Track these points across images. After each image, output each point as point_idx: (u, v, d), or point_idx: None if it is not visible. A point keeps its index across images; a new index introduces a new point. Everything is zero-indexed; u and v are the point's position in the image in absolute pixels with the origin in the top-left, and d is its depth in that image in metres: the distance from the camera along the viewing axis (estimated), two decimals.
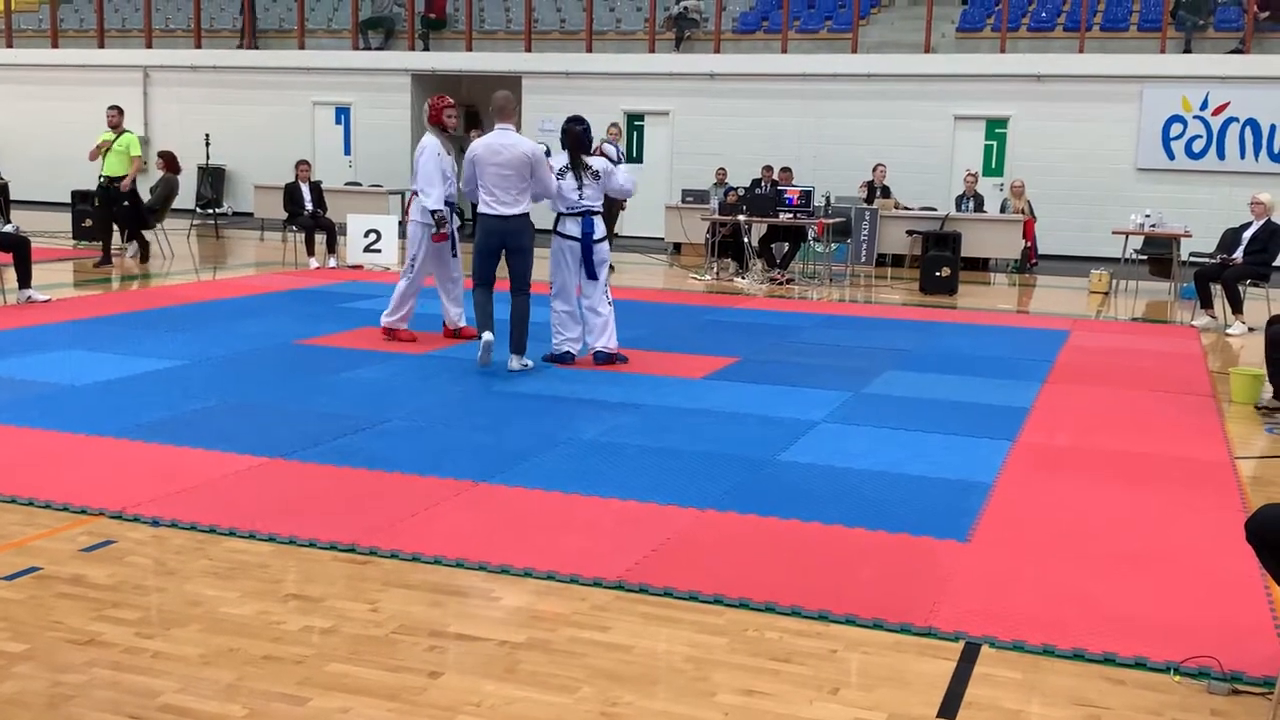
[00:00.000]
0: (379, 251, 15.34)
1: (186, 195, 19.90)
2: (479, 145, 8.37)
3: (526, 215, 8.42)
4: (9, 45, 25.42)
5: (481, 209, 8.39)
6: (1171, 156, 18.64)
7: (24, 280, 10.99)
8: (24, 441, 6.23)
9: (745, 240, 15.34)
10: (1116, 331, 11.71)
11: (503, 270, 8.63)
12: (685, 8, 21.83)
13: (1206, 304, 12.18)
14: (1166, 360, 9.94)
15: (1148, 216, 14.97)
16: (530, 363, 8.55)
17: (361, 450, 6.21)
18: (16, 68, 24.83)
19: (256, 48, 24.10)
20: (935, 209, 17.53)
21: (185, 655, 3.77)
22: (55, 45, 25.23)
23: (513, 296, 8.53)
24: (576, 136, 8.82)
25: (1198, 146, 18.53)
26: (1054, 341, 10.65)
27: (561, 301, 8.91)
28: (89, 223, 16.86)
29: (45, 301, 10.96)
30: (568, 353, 8.91)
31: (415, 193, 9.40)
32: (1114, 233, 15.52)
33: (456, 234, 9.65)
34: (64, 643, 3.84)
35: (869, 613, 4.24)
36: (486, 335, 8.48)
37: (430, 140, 9.32)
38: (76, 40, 25.62)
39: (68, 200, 17.70)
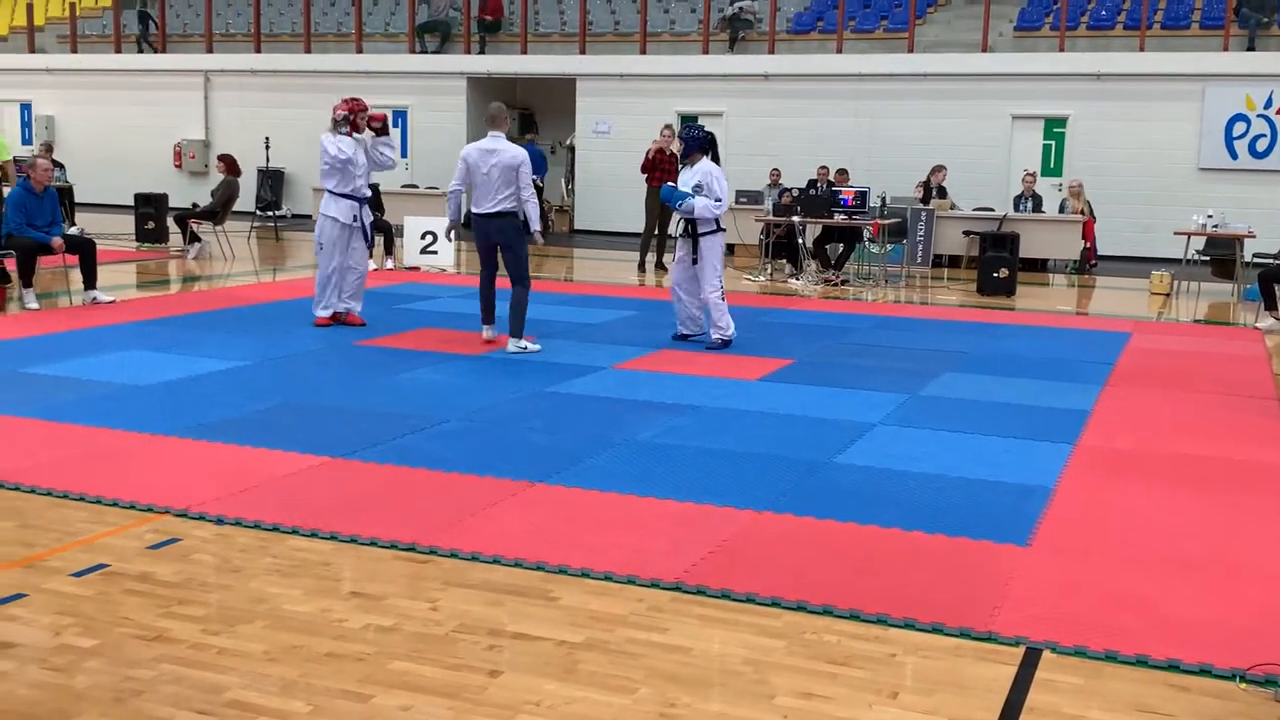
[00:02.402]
0: (436, 253, 15.47)
1: (246, 198, 20.18)
2: (471, 150, 9.23)
3: (513, 214, 9.21)
4: (74, 50, 25.92)
5: (472, 208, 9.31)
6: (1234, 156, 18.34)
7: (89, 281, 11.20)
8: (91, 440, 6.35)
9: (800, 241, 15.30)
10: (1178, 333, 11.55)
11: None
12: (739, 8, 21.80)
13: (1271, 305, 11.97)
14: (1230, 363, 9.78)
15: (1210, 217, 14.75)
16: (529, 345, 9.27)
17: (420, 450, 6.28)
18: (81, 72, 25.30)
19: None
20: (992, 209, 17.39)
21: (250, 652, 3.83)
22: (118, 50, 25.68)
23: (512, 287, 9.33)
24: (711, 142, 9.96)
25: (1261, 145, 18.23)
26: (1114, 344, 10.53)
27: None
28: (152, 225, 17.18)
29: (110, 302, 11.16)
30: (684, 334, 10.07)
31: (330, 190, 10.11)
32: (1175, 233, 15.31)
33: (368, 226, 10.43)
34: (132, 638, 3.91)
35: (928, 616, 4.22)
36: (484, 331, 9.60)
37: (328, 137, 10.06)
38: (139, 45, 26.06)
39: (130, 203, 18.01)
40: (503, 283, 9.49)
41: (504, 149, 9.11)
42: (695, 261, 9.78)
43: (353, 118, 10.08)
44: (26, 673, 3.64)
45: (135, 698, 3.50)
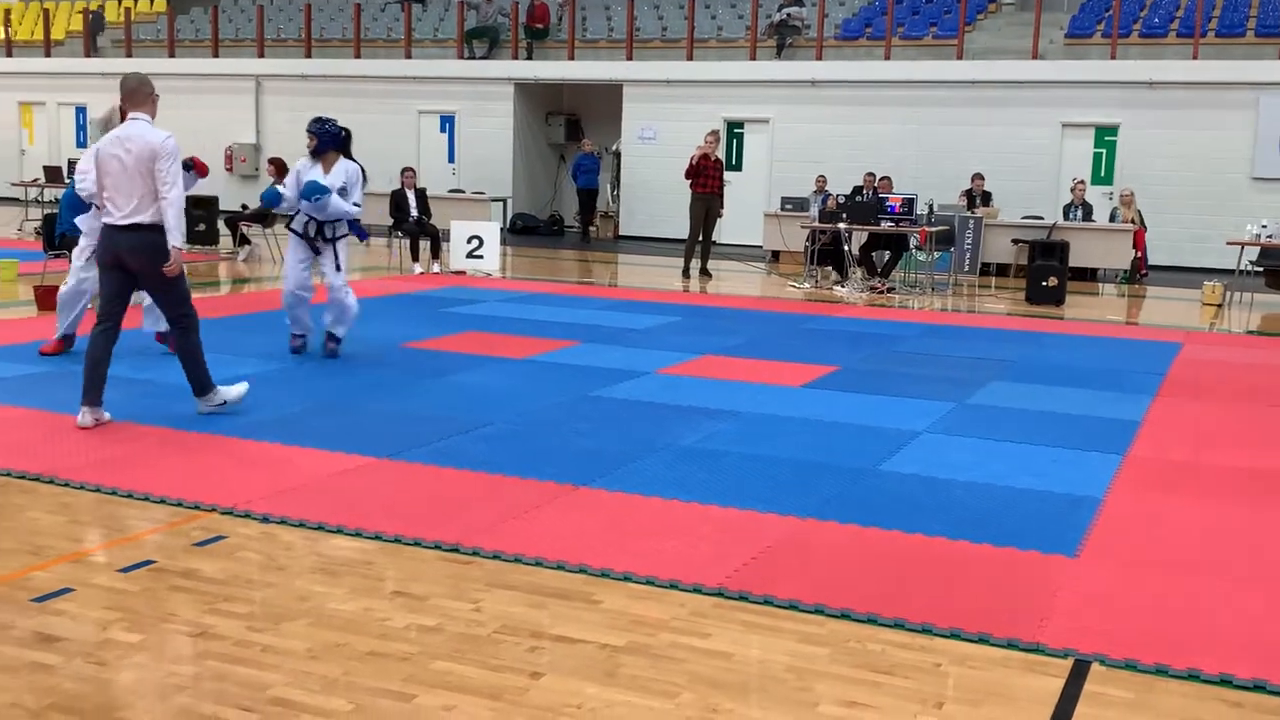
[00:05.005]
0: (481, 257, 15.54)
1: None
2: (103, 139, 6.81)
3: (154, 229, 6.59)
4: (129, 54, 26.27)
5: (103, 218, 6.75)
6: None
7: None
8: (139, 438, 6.42)
9: (845, 248, 15.22)
10: (1231, 344, 11.37)
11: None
12: (787, 15, 21.74)
13: None
14: None
15: (1264, 227, 14.53)
16: (231, 393, 7.04)
17: (464, 452, 6.29)
18: None
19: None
20: (1041, 218, 17.22)
21: (293, 650, 3.84)
22: (172, 55, 26.03)
23: (170, 332, 7.09)
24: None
25: None
26: (1165, 354, 10.38)
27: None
28: (203, 227, 17.37)
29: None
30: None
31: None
32: (1229, 243, 15.10)
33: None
34: (177, 634, 3.94)
35: (974, 627, 4.17)
36: (81, 415, 6.60)
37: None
38: (192, 50, 26.41)
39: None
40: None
41: (139, 135, 6.59)
42: (339, 269, 8.92)
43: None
44: (73, 666, 3.67)
45: (179, 693, 3.52)
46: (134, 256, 6.62)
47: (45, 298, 10.79)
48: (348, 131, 9.00)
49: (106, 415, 6.69)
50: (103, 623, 4.00)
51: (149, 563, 4.59)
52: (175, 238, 6.62)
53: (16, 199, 23.22)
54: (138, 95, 6.76)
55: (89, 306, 8.41)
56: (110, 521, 5.07)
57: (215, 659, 3.76)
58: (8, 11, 29.31)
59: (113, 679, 3.60)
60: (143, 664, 3.71)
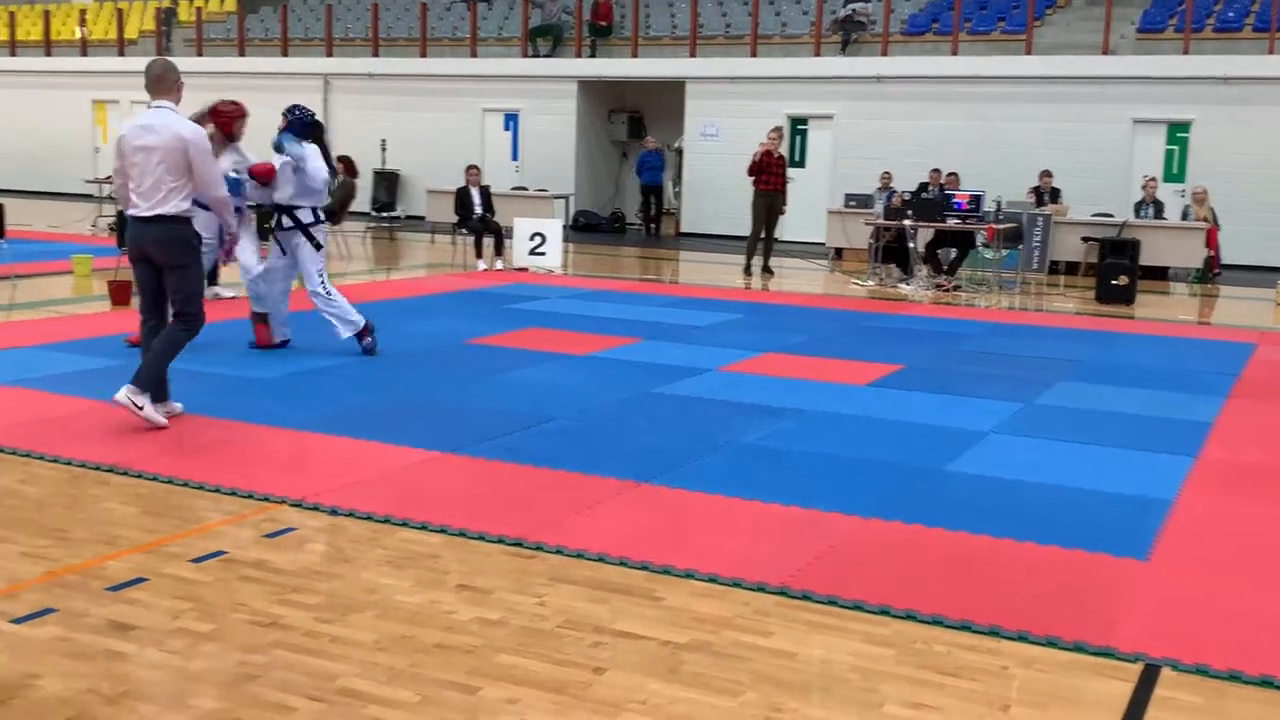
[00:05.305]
0: (544, 254, 15.61)
1: (362, 199, 20.57)
2: (127, 127, 6.46)
3: (181, 220, 6.42)
4: (199, 53, 26.72)
5: (129, 210, 6.51)
6: None
7: (211, 277, 11.50)
8: (210, 431, 6.53)
9: (910, 245, 15.09)
10: None
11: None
12: (853, 10, 21.59)
13: None
14: None
15: None
16: (149, 410, 6.40)
17: (528, 447, 6.32)
18: (206, 75, 26.02)
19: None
20: (1112, 215, 16.96)
21: (361, 641, 3.89)
22: (242, 53, 26.42)
23: (171, 320, 6.60)
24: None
25: None
26: (1239, 355, 10.18)
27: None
28: (269, 225, 17.61)
29: (231, 298, 11.47)
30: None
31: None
32: None
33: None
34: (248, 624, 4.00)
35: (1042, 629, 4.11)
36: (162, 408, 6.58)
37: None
38: (262, 49, 26.78)
39: (251, 202, 18.45)
40: None
41: (165, 125, 6.32)
42: (318, 274, 8.92)
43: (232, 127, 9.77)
44: (145, 654, 3.75)
45: (249, 682, 3.58)
46: (158, 248, 6.40)
47: (118, 293, 11.02)
48: (318, 121, 9.07)
49: (178, 407, 6.80)
50: (175, 612, 4.08)
51: (220, 553, 4.66)
52: (231, 224, 7.01)
53: (90, 195, 23.69)
54: (163, 83, 6.43)
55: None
56: (182, 513, 5.16)
57: (284, 649, 3.81)
58: (83, 11, 29.93)
59: (185, 667, 3.67)
60: (214, 653, 3.78)
